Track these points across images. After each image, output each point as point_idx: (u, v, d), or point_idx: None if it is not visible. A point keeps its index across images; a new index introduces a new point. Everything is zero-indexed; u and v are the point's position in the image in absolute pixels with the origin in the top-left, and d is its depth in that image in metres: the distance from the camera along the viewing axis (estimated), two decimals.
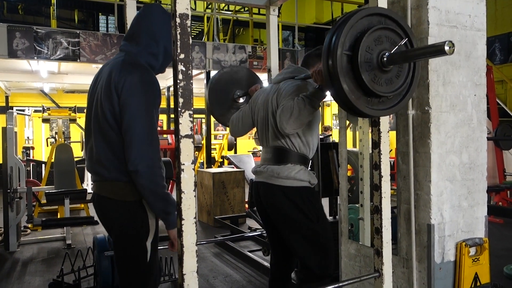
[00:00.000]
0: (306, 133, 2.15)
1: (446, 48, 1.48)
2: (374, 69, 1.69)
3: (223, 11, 12.17)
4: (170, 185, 7.07)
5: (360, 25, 1.69)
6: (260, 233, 3.86)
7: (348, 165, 3.08)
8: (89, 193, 5.63)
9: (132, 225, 1.77)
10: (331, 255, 2.17)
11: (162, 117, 11.64)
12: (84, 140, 1.93)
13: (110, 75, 1.72)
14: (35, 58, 6.31)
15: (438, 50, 1.52)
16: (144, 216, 1.79)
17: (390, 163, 2.03)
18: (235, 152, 10.82)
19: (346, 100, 1.69)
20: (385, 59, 1.69)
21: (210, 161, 8.00)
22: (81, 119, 7.42)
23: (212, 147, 9.18)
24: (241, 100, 2.77)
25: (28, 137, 10.85)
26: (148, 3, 1.91)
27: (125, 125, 1.66)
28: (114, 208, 1.78)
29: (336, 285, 2.11)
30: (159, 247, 3.37)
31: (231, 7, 12.34)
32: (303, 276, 2.16)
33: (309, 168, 2.20)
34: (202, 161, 9.56)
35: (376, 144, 1.99)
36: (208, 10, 10.98)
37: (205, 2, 11.49)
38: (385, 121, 1.99)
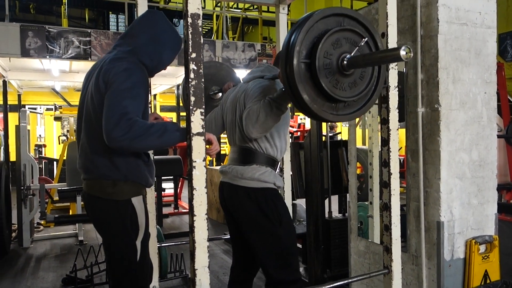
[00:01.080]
0: (274, 135, 2.07)
1: (402, 53, 1.41)
2: (335, 74, 1.61)
3: (232, 9, 12.20)
4: (180, 183, 7.13)
5: (316, 29, 1.60)
6: None
7: (358, 163, 3.09)
8: None
9: (121, 224, 1.76)
10: (293, 261, 2.05)
11: (172, 115, 11.71)
12: (76, 138, 1.92)
13: (100, 71, 1.74)
14: (47, 57, 6.39)
15: (393, 55, 1.45)
16: (134, 215, 1.78)
17: (400, 160, 2.03)
18: None
19: (308, 110, 1.62)
20: (345, 62, 1.61)
21: (220, 159, 8.04)
22: None
23: (223, 141, 9.17)
24: (219, 95, 2.63)
25: (40, 135, 10.99)
26: (152, 9, 1.93)
27: (105, 103, 1.65)
28: (103, 207, 1.77)
29: (345, 281, 2.13)
30: (169, 244, 3.40)
31: (240, 5, 12.35)
32: (266, 281, 2.08)
33: (277, 171, 2.11)
34: (211, 159, 9.61)
35: (385, 142, 2.00)
36: (217, 8, 11.00)
37: (214, 1, 11.52)
38: (395, 119, 2.00)
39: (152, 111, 2.40)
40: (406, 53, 1.41)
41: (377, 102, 1.96)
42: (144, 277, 1.87)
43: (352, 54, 1.63)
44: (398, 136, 2.01)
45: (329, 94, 1.59)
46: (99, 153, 1.73)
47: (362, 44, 1.65)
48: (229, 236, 4.25)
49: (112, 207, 1.76)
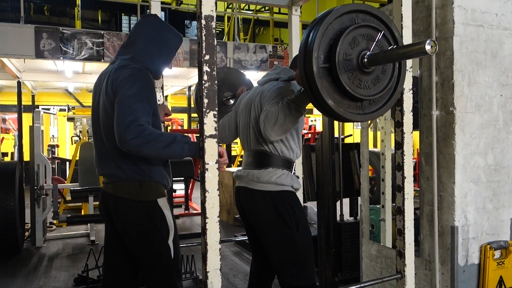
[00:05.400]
0: (289, 137, 2.03)
1: (427, 47, 1.36)
2: (357, 74, 1.57)
3: (243, 11, 12.21)
4: (191, 184, 7.15)
5: (331, 31, 1.56)
6: None
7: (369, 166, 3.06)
8: None
9: (152, 224, 1.80)
10: (309, 266, 2.02)
11: (183, 116, 11.76)
12: (94, 145, 1.93)
13: (107, 82, 1.81)
14: (61, 58, 6.45)
15: (418, 49, 1.40)
16: (162, 216, 1.82)
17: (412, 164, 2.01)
18: None
19: (335, 114, 1.59)
20: (365, 60, 1.56)
21: (230, 160, 8.04)
22: None
23: (235, 141, 9.17)
24: (231, 102, 2.61)
25: (53, 136, 11.11)
26: (146, 14, 1.99)
27: (115, 109, 1.70)
28: (131, 209, 1.80)
29: (357, 286, 2.11)
30: (180, 245, 3.41)
31: (252, 7, 12.36)
32: (281, 286, 2.04)
33: (293, 172, 2.09)
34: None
35: (399, 145, 1.98)
36: (229, 10, 11.03)
37: (225, 2, 11.55)
38: (409, 122, 1.98)
39: None
40: (432, 46, 1.35)
41: None
42: (180, 275, 1.91)
43: (371, 50, 1.58)
44: (412, 139, 1.99)
45: (353, 95, 1.56)
46: (125, 158, 1.78)
47: (379, 37, 1.61)
48: (239, 238, 4.25)
49: (140, 207, 1.80)
